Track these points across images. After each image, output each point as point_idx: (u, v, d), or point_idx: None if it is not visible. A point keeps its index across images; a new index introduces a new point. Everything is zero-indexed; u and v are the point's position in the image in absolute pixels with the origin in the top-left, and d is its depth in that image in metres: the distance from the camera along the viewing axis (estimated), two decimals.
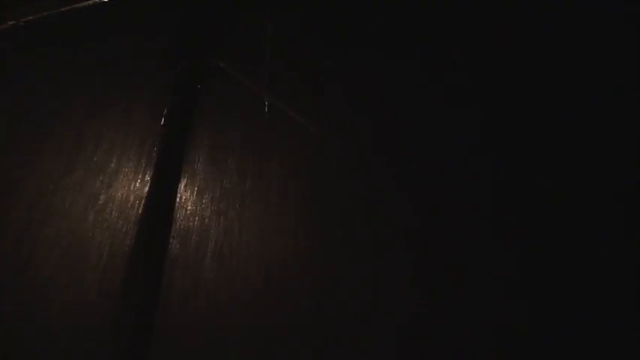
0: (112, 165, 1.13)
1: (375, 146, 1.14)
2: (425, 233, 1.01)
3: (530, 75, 1.11)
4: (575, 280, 0.87)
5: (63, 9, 1.31)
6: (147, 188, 1.11)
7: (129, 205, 1.08)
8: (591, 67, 1.07)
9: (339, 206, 1.07)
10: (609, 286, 0.85)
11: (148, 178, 1.12)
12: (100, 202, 1.08)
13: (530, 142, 1.03)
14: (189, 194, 1.11)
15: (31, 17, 1.30)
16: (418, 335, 0.90)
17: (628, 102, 1.01)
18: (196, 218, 1.07)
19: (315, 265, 1.01)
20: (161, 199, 1.10)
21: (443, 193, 1.05)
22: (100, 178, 1.11)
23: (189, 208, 1.09)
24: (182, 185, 1.12)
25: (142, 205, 1.08)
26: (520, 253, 0.92)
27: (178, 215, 1.07)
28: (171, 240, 1.05)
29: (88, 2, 1.31)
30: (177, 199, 1.10)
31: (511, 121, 1.07)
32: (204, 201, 1.09)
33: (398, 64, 1.23)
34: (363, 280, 0.98)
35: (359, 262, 1.00)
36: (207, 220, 1.07)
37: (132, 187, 1.10)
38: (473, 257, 0.96)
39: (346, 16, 1.31)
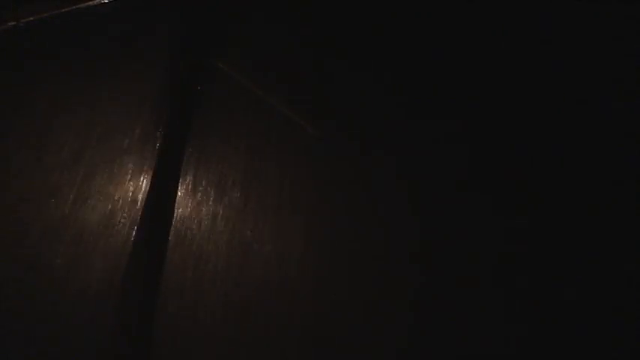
0: (111, 165, 1.13)
1: (375, 146, 1.14)
2: (426, 240, 1.02)
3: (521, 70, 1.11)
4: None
5: (64, 9, 1.31)
6: (146, 189, 1.11)
7: (128, 206, 1.08)
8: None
9: (341, 208, 1.07)
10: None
11: (147, 178, 1.12)
12: (99, 202, 1.08)
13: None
14: (188, 195, 1.11)
15: (31, 17, 1.30)
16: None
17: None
18: (195, 220, 1.07)
19: (317, 268, 1.01)
20: (160, 200, 1.10)
21: (446, 197, 1.06)
22: (99, 179, 1.11)
23: (188, 209, 1.09)
24: (182, 186, 1.12)
25: (140, 207, 1.08)
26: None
27: (177, 217, 1.07)
28: (170, 241, 1.05)
29: (89, 2, 1.31)
30: (177, 201, 1.10)
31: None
32: (203, 202, 1.09)
33: (401, 64, 1.23)
34: (364, 281, 0.99)
35: (361, 262, 1.01)
36: (206, 222, 1.07)
37: (131, 188, 1.10)
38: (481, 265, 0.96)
39: (347, 16, 1.31)
